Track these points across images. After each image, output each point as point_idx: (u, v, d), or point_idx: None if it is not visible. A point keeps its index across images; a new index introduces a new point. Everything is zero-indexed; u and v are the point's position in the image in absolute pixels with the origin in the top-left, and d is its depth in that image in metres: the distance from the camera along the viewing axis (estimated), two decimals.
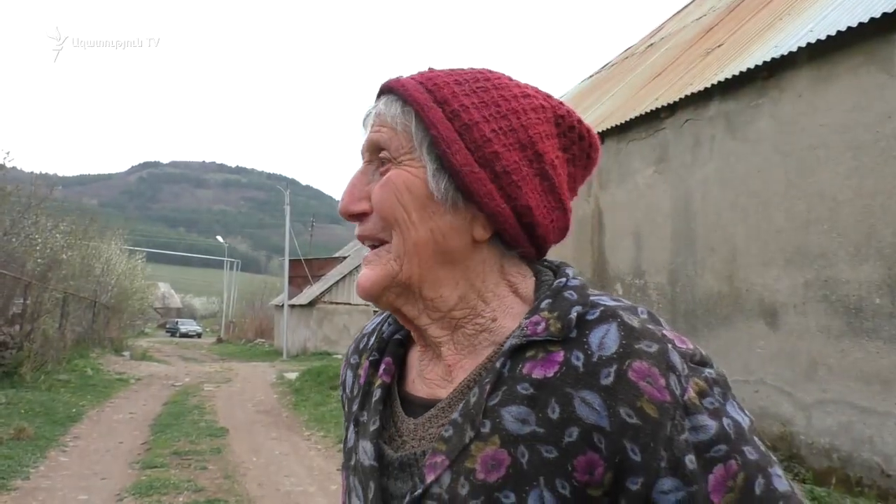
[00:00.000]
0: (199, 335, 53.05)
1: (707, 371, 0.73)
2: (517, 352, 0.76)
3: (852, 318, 5.42)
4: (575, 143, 0.86)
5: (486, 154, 0.79)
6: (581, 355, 0.72)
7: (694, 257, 7.15)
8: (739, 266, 6.55)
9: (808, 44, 5.79)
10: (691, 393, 0.70)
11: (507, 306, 0.82)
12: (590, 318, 0.75)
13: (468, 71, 0.84)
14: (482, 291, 0.82)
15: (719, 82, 6.75)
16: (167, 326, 58.21)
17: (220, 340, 45.48)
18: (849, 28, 5.43)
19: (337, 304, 29.40)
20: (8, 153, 16.66)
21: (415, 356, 0.89)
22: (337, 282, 29.81)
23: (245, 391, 15.07)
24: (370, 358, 0.92)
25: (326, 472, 7.45)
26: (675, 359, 0.71)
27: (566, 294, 0.78)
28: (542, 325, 0.75)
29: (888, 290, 5.17)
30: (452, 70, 0.84)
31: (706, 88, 6.93)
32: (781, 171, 6.14)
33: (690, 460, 0.67)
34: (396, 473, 0.80)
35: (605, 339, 0.72)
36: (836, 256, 5.58)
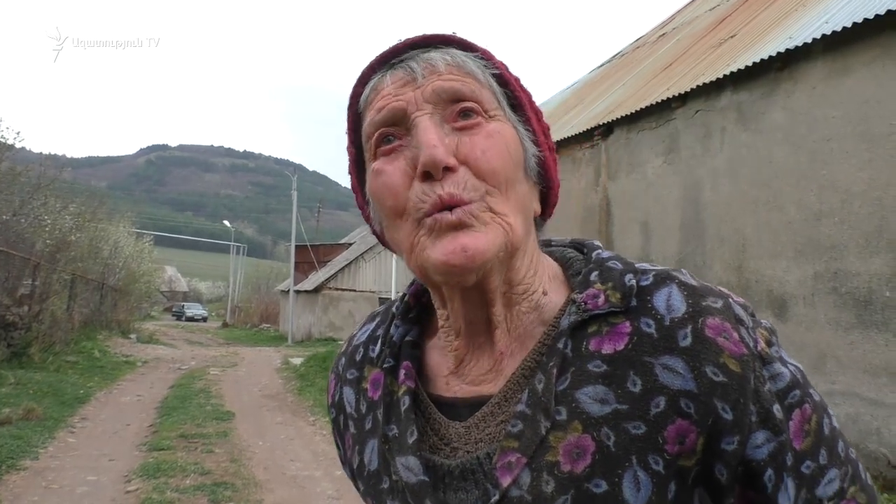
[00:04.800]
0: (204, 319, 53.30)
1: (763, 321, 0.72)
2: (577, 329, 0.70)
3: (862, 311, 5.41)
4: None
5: (545, 125, 0.80)
6: (651, 321, 0.68)
7: (703, 248, 7.13)
8: (749, 257, 6.53)
9: (824, 35, 5.74)
10: (762, 343, 0.69)
11: (551, 285, 0.77)
12: (645, 283, 0.71)
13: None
14: (536, 266, 0.77)
15: (732, 73, 6.70)
16: (173, 310, 58.49)
17: (225, 325, 45.64)
18: (865, 20, 5.38)
19: (342, 290, 29.46)
20: (18, 133, 16.68)
21: (436, 357, 0.81)
22: (343, 268, 29.86)
23: (251, 375, 15.13)
24: (385, 365, 0.81)
25: (331, 456, 7.48)
26: (740, 311, 0.69)
27: (610, 264, 0.74)
28: (602, 297, 0.70)
29: None
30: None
31: (718, 79, 6.88)
32: (793, 162, 6.11)
33: (777, 410, 0.66)
34: (456, 484, 0.71)
35: (671, 301, 0.69)
36: (846, 248, 5.56)
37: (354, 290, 29.60)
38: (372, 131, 0.73)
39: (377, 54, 0.76)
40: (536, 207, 0.78)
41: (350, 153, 0.80)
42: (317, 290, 29.26)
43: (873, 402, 5.28)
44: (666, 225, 7.72)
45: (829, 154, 5.76)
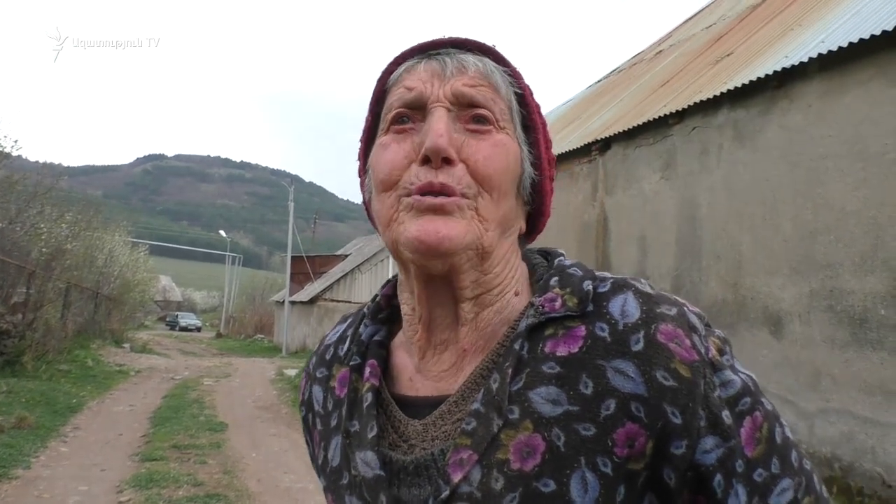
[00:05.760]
0: (198, 329, 53.10)
1: (717, 331, 0.74)
2: (534, 331, 0.72)
3: (857, 329, 5.42)
4: None
5: (551, 156, 0.83)
6: (606, 326, 0.70)
7: (699, 264, 7.15)
8: (744, 274, 6.55)
9: (820, 55, 5.79)
10: (713, 351, 0.70)
11: (522, 287, 0.81)
12: (602, 290, 0.73)
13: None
14: (515, 267, 0.80)
15: (728, 91, 6.75)
16: (167, 320, 58.25)
17: (219, 335, 45.45)
18: (861, 40, 5.43)
19: (338, 301, 29.38)
20: (15, 142, 16.68)
21: (401, 357, 0.83)
22: (338, 279, 29.84)
23: (245, 386, 15.07)
24: (351, 363, 0.83)
25: None
26: (694, 319, 0.71)
27: (571, 271, 0.76)
28: (559, 301, 0.73)
29: (893, 302, 5.17)
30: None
31: (715, 97, 6.93)
32: (789, 180, 6.14)
33: (726, 415, 0.67)
34: (410, 480, 0.72)
35: (626, 307, 0.70)
36: (841, 266, 5.58)
37: (350, 302, 29.51)
38: (394, 105, 0.77)
39: (418, 42, 0.81)
40: (522, 225, 0.81)
41: (367, 121, 0.84)
42: (312, 301, 29.20)
43: (868, 421, 5.28)
44: (662, 241, 7.74)
45: (825, 172, 5.80)
